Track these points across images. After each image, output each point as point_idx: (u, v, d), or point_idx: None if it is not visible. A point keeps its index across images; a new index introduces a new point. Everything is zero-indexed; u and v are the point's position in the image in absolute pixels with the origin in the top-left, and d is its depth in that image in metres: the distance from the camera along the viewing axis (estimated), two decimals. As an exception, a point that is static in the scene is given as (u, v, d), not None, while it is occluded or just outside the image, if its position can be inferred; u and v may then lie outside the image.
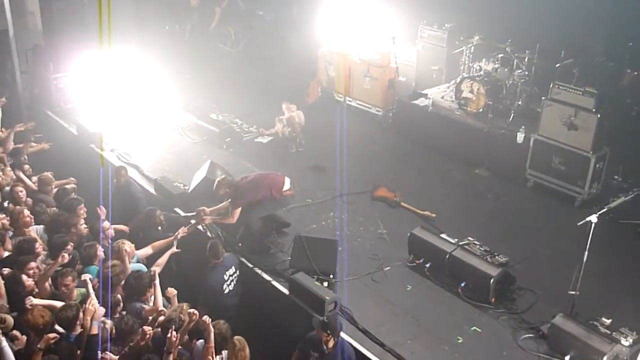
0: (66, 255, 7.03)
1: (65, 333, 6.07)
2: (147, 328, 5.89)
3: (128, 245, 7.49)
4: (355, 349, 6.87)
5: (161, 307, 6.81)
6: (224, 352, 6.20)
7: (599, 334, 6.74)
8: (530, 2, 11.71)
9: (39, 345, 5.76)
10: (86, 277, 6.45)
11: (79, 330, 6.08)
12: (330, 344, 6.49)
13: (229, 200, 8.59)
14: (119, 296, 6.74)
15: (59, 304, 6.38)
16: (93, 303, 6.13)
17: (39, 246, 7.38)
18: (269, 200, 8.62)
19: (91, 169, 10.24)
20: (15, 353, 5.80)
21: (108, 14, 12.73)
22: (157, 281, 6.93)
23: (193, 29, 15.99)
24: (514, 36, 11.72)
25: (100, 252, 7.33)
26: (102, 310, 6.09)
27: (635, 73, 10.58)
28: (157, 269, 7.22)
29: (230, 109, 12.86)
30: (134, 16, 15.28)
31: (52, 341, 5.81)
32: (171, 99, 12.89)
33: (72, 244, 7.46)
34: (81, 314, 6.06)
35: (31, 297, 6.41)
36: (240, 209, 8.46)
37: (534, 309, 7.66)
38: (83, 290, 6.69)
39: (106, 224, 8.04)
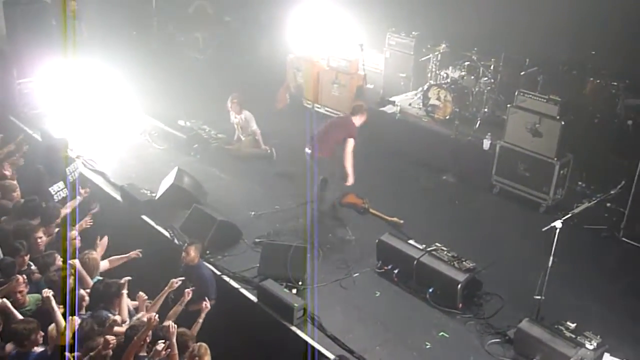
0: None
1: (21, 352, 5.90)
2: (110, 337, 5.79)
3: (94, 259, 7.38)
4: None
5: (126, 318, 6.72)
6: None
7: (564, 338, 6.83)
8: (496, 11, 11.87)
9: None
10: (47, 292, 6.24)
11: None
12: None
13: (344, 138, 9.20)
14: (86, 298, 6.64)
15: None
16: None
17: None
18: None
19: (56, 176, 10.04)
20: None
21: (73, 19, 12.60)
22: (125, 291, 6.83)
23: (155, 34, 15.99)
24: (479, 44, 11.89)
25: (59, 261, 7.19)
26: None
27: (598, 81, 10.76)
28: (126, 278, 7.08)
29: (198, 116, 12.73)
30: (99, 22, 15.15)
31: None
32: (138, 105, 12.72)
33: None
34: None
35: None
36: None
37: (501, 314, 7.73)
38: (37, 295, 6.59)
39: (73, 233, 7.89)
